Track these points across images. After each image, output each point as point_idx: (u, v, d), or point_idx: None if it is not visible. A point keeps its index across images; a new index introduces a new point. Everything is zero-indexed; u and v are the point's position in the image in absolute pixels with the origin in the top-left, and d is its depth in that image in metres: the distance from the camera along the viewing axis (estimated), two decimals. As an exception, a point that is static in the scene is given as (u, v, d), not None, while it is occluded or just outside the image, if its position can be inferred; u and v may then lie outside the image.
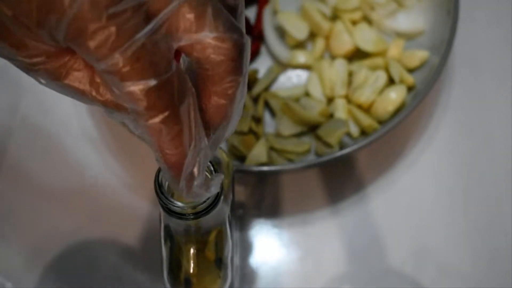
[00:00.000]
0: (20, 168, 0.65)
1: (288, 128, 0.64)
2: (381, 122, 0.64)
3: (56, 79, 0.31)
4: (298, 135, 0.65)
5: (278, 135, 0.65)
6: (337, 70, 0.66)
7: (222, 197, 0.36)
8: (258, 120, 0.65)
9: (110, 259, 0.62)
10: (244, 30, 0.30)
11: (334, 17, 0.70)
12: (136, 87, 0.28)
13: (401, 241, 0.62)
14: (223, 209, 0.39)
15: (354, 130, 0.64)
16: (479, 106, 0.69)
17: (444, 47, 0.63)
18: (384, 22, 0.69)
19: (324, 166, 0.65)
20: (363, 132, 0.64)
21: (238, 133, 0.64)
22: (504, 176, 0.65)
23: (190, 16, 0.28)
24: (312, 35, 0.69)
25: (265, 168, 0.59)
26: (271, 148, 0.64)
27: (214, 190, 0.34)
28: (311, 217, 0.64)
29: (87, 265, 0.61)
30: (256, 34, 0.70)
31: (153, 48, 0.27)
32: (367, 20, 0.69)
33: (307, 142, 0.64)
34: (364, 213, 0.64)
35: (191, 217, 0.36)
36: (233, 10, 0.30)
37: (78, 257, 0.61)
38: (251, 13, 0.72)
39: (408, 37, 0.68)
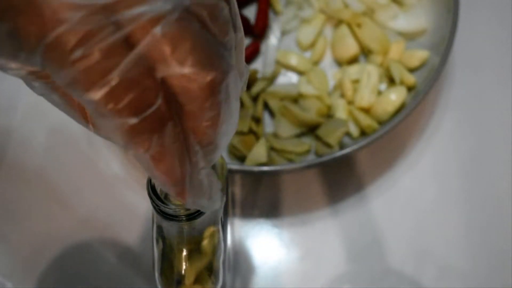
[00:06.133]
0: (20, 168, 0.66)
1: (286, 130, 0.64)
2: (381, 123, 0.64)
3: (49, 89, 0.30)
4: (298, 135, 0.65)
5: (277, 136, 0.65)
6: (326, 79, 0.67)
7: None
8: (258, 120, 0.65)
9: (110, 259, 0.62)
10: (232, 63, 0.28)
11: (338, 23, 0.70)
12: (119, 121, 0.27)
13: (401, 241, 0.62)
14: (216, 211, 0.39)
15: (354, 130, 0.64)
16: (479, 106, 0.68)
17: (444, 47, 0.63)
18: (385, 23, 0.68)
19: (324, 166, 0.65)
20: (363, 132, 0.64)
21: (238, 133, 0.64)
22: (504, 176, 0.65)
23: (166, 48, 0.26)
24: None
25: (265, 168, 0.59)
26: (271, 148, 0.64)
27: (217, 200, 0.33)
28: (311, 217, 0.64)
29: (87, 265, 0.61)
30: (256, 33, 0.70)
31: (131, 83, 0.26)
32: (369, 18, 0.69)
33: (307, 142, 0.64)
34: (364, 213, 0.64)
35: (184, 219, 0.36)
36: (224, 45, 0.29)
37: (78, 257, 0.62)
38: (250, 12, 0.72)
39: (409, 37, 0.68)
